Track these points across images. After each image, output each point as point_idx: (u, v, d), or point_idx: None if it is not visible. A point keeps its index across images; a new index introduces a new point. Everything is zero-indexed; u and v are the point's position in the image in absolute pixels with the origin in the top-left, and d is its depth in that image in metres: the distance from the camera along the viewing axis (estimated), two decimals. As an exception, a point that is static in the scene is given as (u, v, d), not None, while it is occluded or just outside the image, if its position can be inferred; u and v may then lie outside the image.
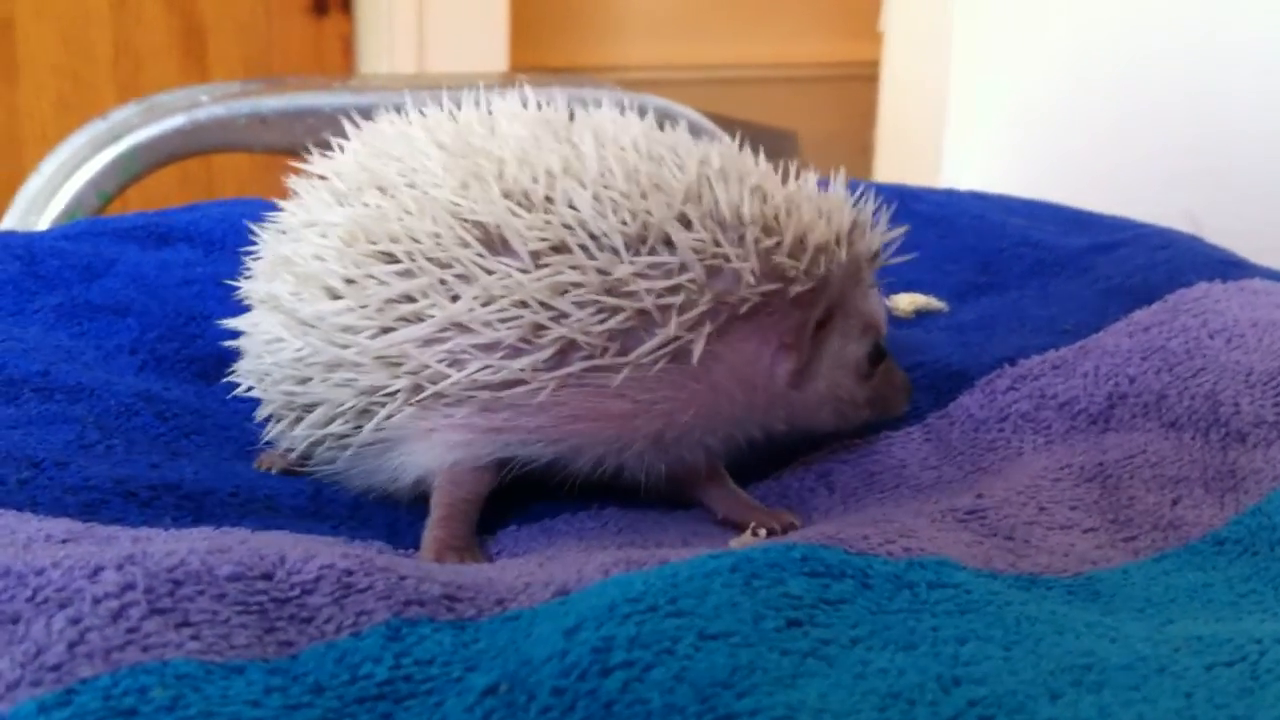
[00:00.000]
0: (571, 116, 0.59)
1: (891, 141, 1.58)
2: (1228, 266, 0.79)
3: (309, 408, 0.58)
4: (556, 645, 0.39)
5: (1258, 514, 0.57)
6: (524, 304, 0.52)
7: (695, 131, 0.60)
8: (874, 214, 0.59)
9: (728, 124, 2.49)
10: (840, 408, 0.60)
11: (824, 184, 0.59)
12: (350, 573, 0.43)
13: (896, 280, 0.85)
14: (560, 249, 0.53)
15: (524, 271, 0.53)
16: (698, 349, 0.54)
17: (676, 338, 0.53)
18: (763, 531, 0.55)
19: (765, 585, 0.44)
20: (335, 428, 0.57)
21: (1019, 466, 0.63)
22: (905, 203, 0.96)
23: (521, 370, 0.53)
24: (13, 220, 1.12)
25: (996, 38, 1.46)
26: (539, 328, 0.52)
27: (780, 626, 0.42)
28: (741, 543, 0.52)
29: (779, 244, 0.55)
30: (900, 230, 0.60)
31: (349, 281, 0.55)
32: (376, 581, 0.43)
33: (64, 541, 0.49)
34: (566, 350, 0.53)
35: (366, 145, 0.59)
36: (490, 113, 0.59)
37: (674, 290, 0.53)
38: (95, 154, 1.10)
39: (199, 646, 0.39)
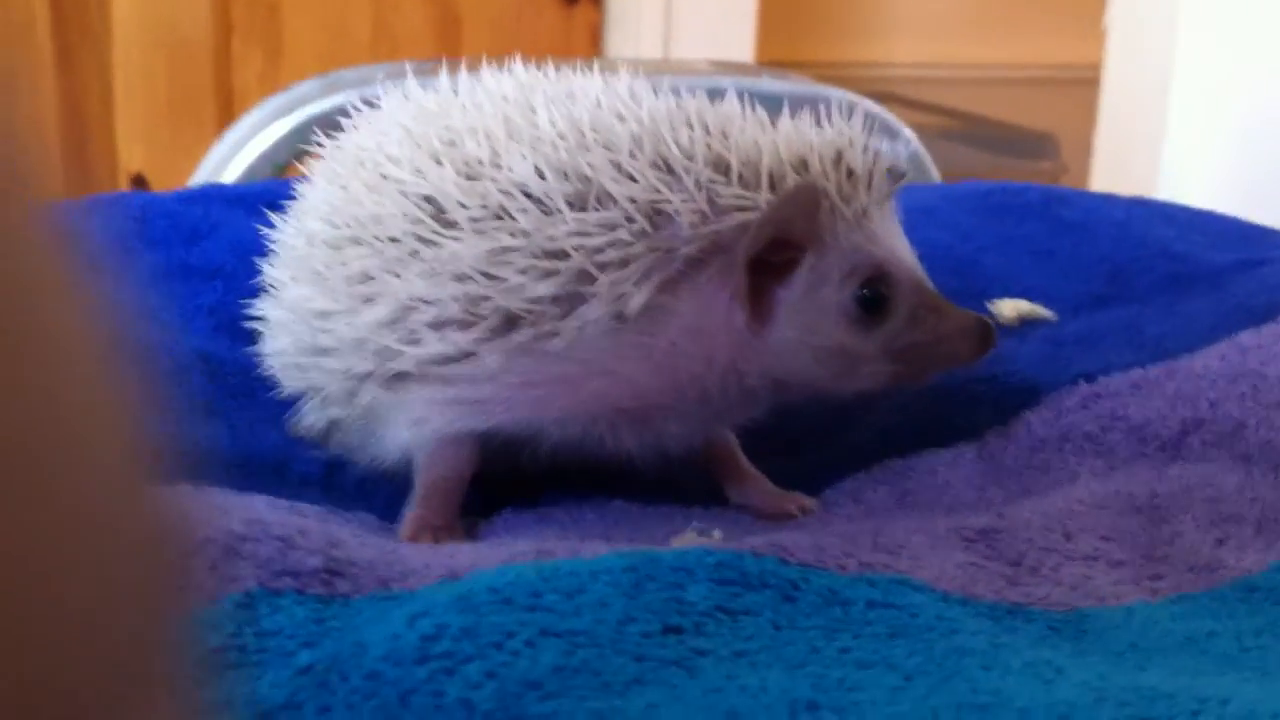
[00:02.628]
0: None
1: (1110, 144, 1.49)
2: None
3: (311, 392, 0.58)
4: (395, 629, 0.38)
5: (1301, 562, 0.51)
6: (465, 276, 0.51)
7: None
8: (866, 139, 0.53)
9: (982, 124, 2.40)
10: (831, 360, 0.53)
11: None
12: (242, 539, 0.43)
13: (1014, 286, 0.80)
14: (499, 215, 0.51)
15: (463, 241, 0.51)
16: (635, 304, 0.50)
17: (619, 295, 0.51)
18: (717, 533, 0.52)
19: (657, 589, 0.41)
20: (332, 411, 0.58)
21: (1066, 491, 0.58)
22: (1050, 208, 0.90)
23: (469, 343, 0.51)
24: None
25: (1221, 42, 1.36)
26: (480, 298, 0.51)
27: (651, 631, 0.39)
28: (681, 542, 0.50)
29: (728, 179, 0.51)
30: (890, 155, 0.53)
31: (326, 266, 0.55)
32: (261, 549, 0.43)
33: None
34: (510, 318, 0.51)
35: (366, 125, 0.59)
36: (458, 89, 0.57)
37: (611, 245, 0.50)
38: (270, 124, 1.14)
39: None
